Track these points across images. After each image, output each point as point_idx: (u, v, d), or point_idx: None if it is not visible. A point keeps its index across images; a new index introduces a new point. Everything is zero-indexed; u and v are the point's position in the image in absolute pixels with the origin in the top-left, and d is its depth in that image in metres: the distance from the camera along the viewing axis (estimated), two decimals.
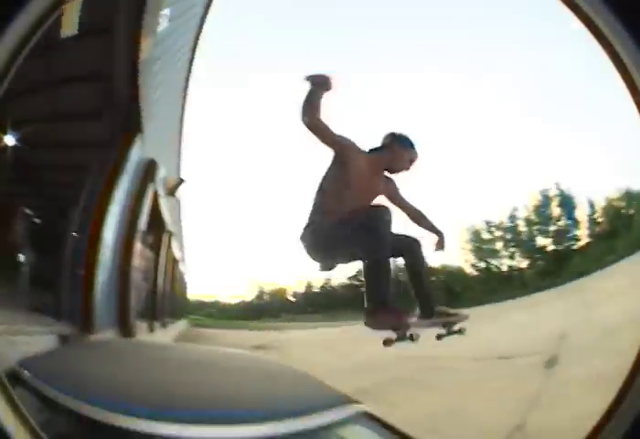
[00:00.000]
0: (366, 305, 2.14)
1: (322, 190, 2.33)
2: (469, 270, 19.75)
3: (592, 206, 17.70)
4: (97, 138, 5.23)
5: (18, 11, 0.69)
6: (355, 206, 2.22)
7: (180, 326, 10.19)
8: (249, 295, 17.66)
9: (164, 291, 8.14)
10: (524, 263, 18.55)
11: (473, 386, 6.57)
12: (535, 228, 18.59)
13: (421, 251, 2.40)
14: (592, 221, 17.97)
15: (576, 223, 18.10)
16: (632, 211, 16.82)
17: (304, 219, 2.39)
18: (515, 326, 9.31)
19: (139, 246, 5.62)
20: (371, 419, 1.64)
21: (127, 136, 4.98)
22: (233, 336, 16.45)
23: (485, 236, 19.94)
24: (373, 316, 2.12)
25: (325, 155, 2.41)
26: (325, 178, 2.35)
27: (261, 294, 21.19)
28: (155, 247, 7.52)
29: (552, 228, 18.10)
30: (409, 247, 2.36)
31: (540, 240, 18.42)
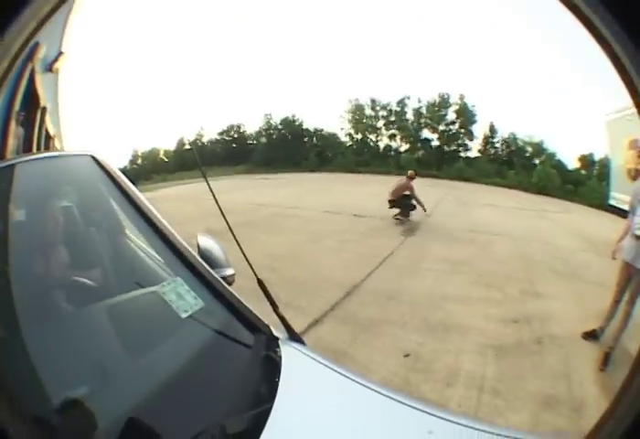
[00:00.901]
0: None
1: None
2: (344, 138, 20.62)
3: (492, 130, 19.25)
4: None
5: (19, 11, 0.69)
6: None
7: None
8: (122, 161, 16.67)
9: None
10: (404, 147, 19.99)
11: (321, 235, 6.94)
12: (423, 121, 19.96)
13: None
14: (489, 143, 19.75)
15: (470, 135, 19.80)
16: (537, 160, 19.45)
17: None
18: (380, 196, 9.81)
19: (13, 126, 5.32)
20: None
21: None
22: None
23: (368, 112, 20.79)
24: None
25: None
26: None
27: (134, 159, 19.98)
28: (29, 124, 6.72)
29: (442, 127, 19.61)
30: None
31: (427, 134, 19.81)
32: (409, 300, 4.21)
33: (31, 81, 6.26)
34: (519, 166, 19.01)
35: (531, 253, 6.17)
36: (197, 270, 1.51)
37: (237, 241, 1.51)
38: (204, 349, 1.34)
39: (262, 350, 1.37)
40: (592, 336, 3.57)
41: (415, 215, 8.51)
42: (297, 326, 2.24)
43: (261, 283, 1.47)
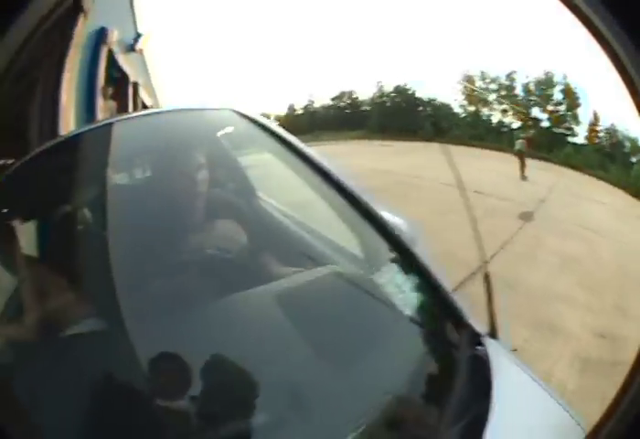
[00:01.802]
0: None
1: None
2: (457, 110, 19.53)
3: (596, 118, 17.19)
4: None
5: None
6: None
7: None
8: None
9: None
10: (516, 124, 18.47)
11: (446, 209, 6.31)
12: (532, 98, 18.28)
13: None
14: (594, 131, 17.75)
15: (576, 119, 17.86)
16: (634, 159, 16.78)
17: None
18: (498, 173, 9.61)
19: (101, 102, 6.06)
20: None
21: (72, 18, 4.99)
22: None
23: (479, 84, 19.47)
24: None
25: None
26: None
27: None
28: (121, 99, 7.52)
29: (550, 108, 17.77)
30: None
31: (536, 112, 18.20)
32: (524, 291, 4.19)
33: (114, 61, 6.70)
34: (620, 162, 16.49)
35: (634, 267, 5.34)
36: (399, 247, 1.34)
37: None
38: (413, 351, 1.20)
39: (469, 348, 1.25)
40: None
41: (531, 198, 8.16)
42: None
43: (487, 276, 1.47)
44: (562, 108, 18.40)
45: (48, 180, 1.34)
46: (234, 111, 1.63)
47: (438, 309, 1.32)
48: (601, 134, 17.91)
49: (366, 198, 1.42)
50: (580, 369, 3.20)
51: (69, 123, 4.79)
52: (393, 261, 1.34)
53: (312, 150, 1.52)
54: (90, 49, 5.87)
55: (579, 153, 17.69)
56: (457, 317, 1.31)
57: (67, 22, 5.00)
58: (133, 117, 1.40)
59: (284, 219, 1.61)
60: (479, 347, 1.24)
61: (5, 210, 1.31)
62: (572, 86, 18.20)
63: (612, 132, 17.99)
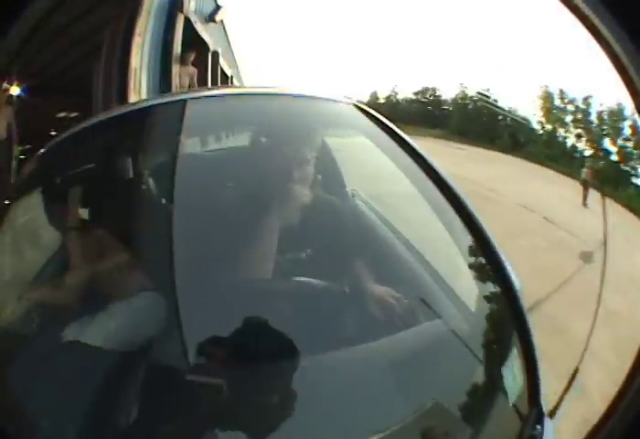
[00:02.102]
0: None
1: None
2: (535, 125, 18.74)
3: None
4: None
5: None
6: None
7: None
8: None
9: None
10: (588, 152, 17.53)
11: (517, 232, 6.48)
12: (605, 128, 17.19)
13: None
14: None
15: None
16: None
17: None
18: (568, 202, 9.14)
19: (178, 67, 6.28)
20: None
21: None
22: None
23: (557, 102, 18.54)
24: None
25: None
26: None
27: None
28: (201, 66, 7.89)
29: (620, 142, 16.66)
30: None
31: (607, 144, 17.16)
32: (567, 339, 4.07)
33: (191, 29, 6.89)
34: None
35: None
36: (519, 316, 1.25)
37: None
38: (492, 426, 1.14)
39: (532, 427, 1.15)
40: None
41: (594, 237, 7.38)
42: None
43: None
44: (630, 145, 17.17)
45: (114, 144, 1.35)
46: (357, 106, 1.58)
47: (529, 391, 1.21)
48: None
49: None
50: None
51: (139, 85, 4.98)
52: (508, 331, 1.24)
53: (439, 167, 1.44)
54: (165, 16, 5.96)
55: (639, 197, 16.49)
56: (537, 396, 1.21)
57: None
58: (242, 94, 1.36)
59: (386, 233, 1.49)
60: (538, 427, 1.15)
61: (66, 169, 1.31)
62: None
63: None
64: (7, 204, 1.31)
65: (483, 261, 1.34)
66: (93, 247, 1.17)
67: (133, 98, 4.89)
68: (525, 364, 1.21)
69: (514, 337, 1.24)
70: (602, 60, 0.71)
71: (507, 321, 1.27)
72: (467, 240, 1.36)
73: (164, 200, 1.22)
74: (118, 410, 0.94)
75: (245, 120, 1.40)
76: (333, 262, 1.26)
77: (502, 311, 1.29)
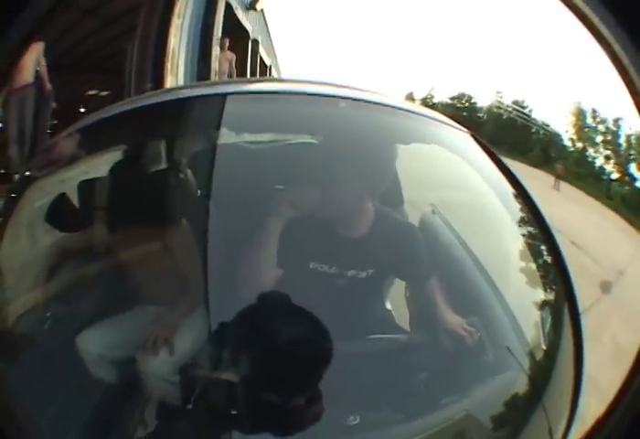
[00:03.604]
0: None
1: None
2: (567, 142, 18.56)
3: None
4: None
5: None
6: None
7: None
8: None
9: None
10: (615, 175, 17.24)
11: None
12: (633, 153, 16.91)
13: None
14: None
15: None
16: None
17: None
18: (593, 225, 8.90)
19: (217, 52, 6.33)
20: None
21: None
22: None
23: (589, 121, 18.28)
24: None
25: None
26: None
27: None
28: (240, 53, 8.05)
29: None
30: None
31: (634, 169, 16.93)
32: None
33: (232, 15, 6.93)
34: None
35: None
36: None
37: None
38: None
39: None
40: None
41: (613, 266, 7.35)
42: None
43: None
44: None
45: (143, 136, 1.31)
46: (473, 136, 1.51)
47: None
48: None
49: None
50: None
51: (176, 68, 4.97)
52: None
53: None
54: (205, 0, 5.91)
55: None
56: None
57: None
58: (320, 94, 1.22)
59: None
60: None
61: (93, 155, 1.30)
62: None
63: None
64: (25, 184, 1.31)
65: (554, 287, 1.32)
66: (121, 241, 1.15)
67: (169, 80, 4.85)
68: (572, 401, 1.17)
69: (571, 373, 1.21)
70: (602, 60, 0.71)
71: (569, 354, 1.23)
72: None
73: (200, 193, 1.18)
74: (122, 413, 0.94)
75: (306, 128, 1.29)
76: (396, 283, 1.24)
77: (565, 343, 1.26)
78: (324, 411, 0.85)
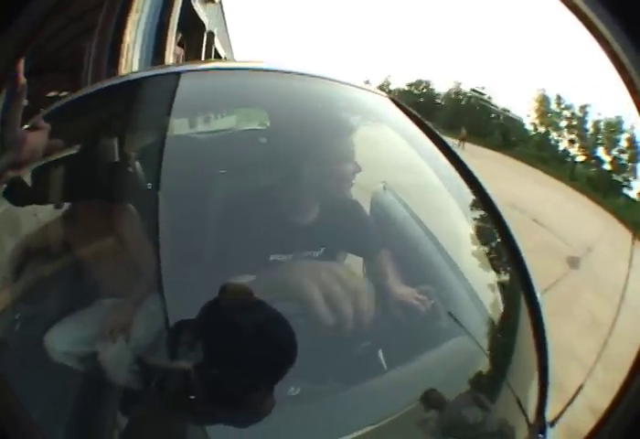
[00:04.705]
0: None
1: None
2: (528, 127, 19.06)
3: None
4: None
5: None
6: None
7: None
8: None
9: None
10: (580, 158, 17.84)
11: None
12: (600, 137, 17.45)
13: None
14: None
15: (634, 172, 16.95)
16: None
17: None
18: (556, 205, 9.52)
19: (172, 46, 6.23)
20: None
21: None
22: None
23: (553, 107, 18.83)
24: None
25: None
26: None
27: None
28: (194, 47, 8.32)
29: (614, 152, 16.95)
30: None
31: (601, 153, 17.46)
32: (552, 345, 3.88)
33: (189, 8, 6.83)
34: None
35: None
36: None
37: None
38: None
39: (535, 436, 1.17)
40: None
41: (581, 243, 8.08)
42: None
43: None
44: (625, 157, 17.51)
45: (99, 119, 1.29)
46: (392, 99, 1.52)
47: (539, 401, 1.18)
48: None
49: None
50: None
51: (130, 63, 4.87)
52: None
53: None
54: None
55: (629, 208, 16.72)
56: (543, 407, 1.18)
57: None
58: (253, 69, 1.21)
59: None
60: (541, 436, 1.16)
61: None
62: (638, 139, 17.37)
63: None
64: None
65: (508, 267, 1.34)
66: (75, 233, 1.14)
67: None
68: (539, 374, 1.20)
69: (532, 348, 1.23)
70: (606, 69, 0.70)
71: (527, 330, 1.25)
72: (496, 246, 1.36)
73: (150, 186, 1.15)
74: (100, 413, 0.93)
75: (256, 100, 1.30)
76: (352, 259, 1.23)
77: (523, 318, 1.27)
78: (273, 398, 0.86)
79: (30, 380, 0.95)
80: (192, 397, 0.85)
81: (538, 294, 1.33)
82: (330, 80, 1.48)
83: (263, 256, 1.06)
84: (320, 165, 1.18)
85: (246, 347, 0.84)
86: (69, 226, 1.16)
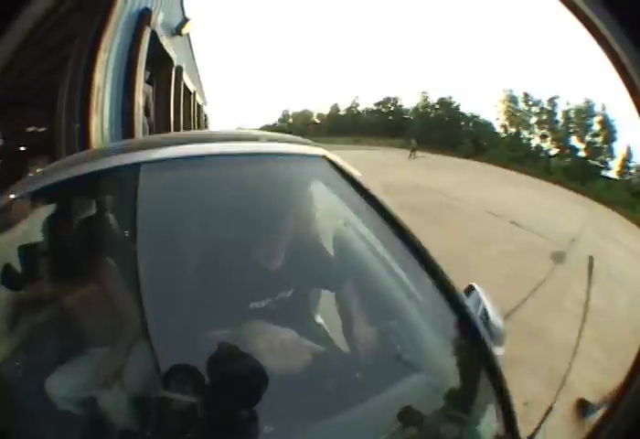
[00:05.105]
0: None
1: None
2: (499, 130, 19.36)
3: (629, 154, 16.91)
4: None
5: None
6: None
7: None
8: (272, 120, 17.69)
9: (178, 123, 8.79)
10: (553, 151, 18.15)
11: (484, 240, 6.70)
12: (571, 126, 17.87)
13: None
14: (626, 167, 17.37)
15: (610, 153, 17.47)
16: None
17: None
18: (534, 203, 9.68)
19: (141, 84, 6.18)
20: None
21: None
22: None
23: (521, 106, 19.23)
24: None
25: None
26: None
27: (285, 118, 21.12)
28: (161, 82, 8.29)
29: (588, 138, 17.42)
30: None
31: (574, 141, 17.86)
32: (547, 343, 4.01)
33: (157, 43, 6.81)
34: None
35: None
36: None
37: None
38: None
39: None
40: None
41: (564, 236, 8.01)
42: None
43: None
44: (599, 140, 17.92)
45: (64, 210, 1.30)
46: (328, 159, 1.43)
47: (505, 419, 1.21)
48: (632, 171, 17.60)
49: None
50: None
51: (101, 105, 4.84)
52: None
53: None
54: (132, 30, 5.79)
55: (610, 189, 17.06)
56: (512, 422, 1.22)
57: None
58: (192, 156, 1.22)
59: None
60: None
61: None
62: (610, 118, 17.76)
63: None
64: None
65: (449, 309, 1.28)
66: (63, 289, 1.18)
67: (94, 120, 4.70)
68: (499, 400, 1.22)
69: (485, 378, 1.23)
70: (570, 57, 0.71)
71: (478, 365, 1.25)
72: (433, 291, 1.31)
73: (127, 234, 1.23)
74: None
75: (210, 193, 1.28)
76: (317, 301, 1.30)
77: (477, 348, 1.26)
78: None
79: (33, 425, 1.00)
80: (189, 435, 0.90)
81: (496, 322, 1.36)
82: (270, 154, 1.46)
83: (243, 304, 1.11)
84: (284, 219, 1.24)
85: (233, 387, 0.92)
86: (57, 282, 1.21)
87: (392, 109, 22.47)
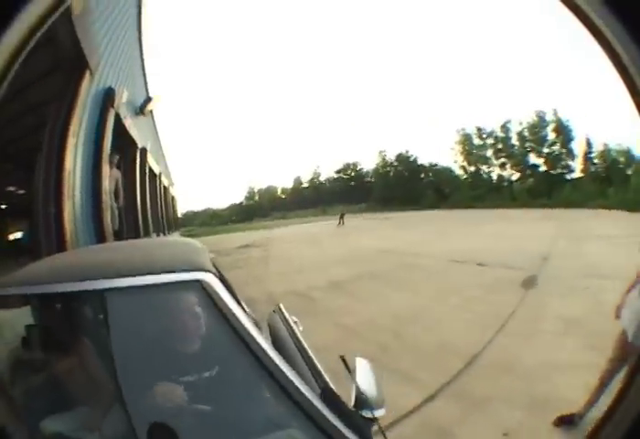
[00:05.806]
0: None
1: None
2: (459, 172, 19.97)
3: (589, 145, 18.00)
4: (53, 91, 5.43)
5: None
6: None
7: None
8: (239, 198, 17.78)
9: (145, 207, 9.29)
10: (515, 176, 18.88)
11: (446, 292, 6.59)
12: (528, 145, 18.80)
13: None
14: (589, 160, 18.47)
15: (571, 154, 18.54)
16: (629, 171, 18.28)
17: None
18: (499, 236, 9.64)
19: (107, 169, 6.29)
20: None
21: (77, 74, 5.27)
22: (224, 239, 18.16)
23: (476, 141, 20.09)
24: None
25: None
26: None
27: (251, 195, 21.28)
28: (129, 166, 8.47)
29: (546, 150, 18.37)
30: None
31: (533, 159, 18.72)
32: (521, 373, 3.84)
33: (120, 126, 7.03)
34: (617, 182, 17.77)
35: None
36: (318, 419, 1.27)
37: None
38: None
39: None
40: (567, 422, 2.70)
41: (534, 258, 8.22)
42: (413, 401, 3.11)
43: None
44: (557, 147, 18.71)
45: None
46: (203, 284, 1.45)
47: None
48: (595, 160, 18.33)
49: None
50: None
51: (72, 189, 4.85)
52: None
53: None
54: (98, 112, 5.99)
55: (577, 189, 17.67)
56: None
57: (72, 79, 5.18)
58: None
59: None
60: None
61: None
62: (563, 120, 18.68)
63: (605, 152, 18.62)
64: None
65: None
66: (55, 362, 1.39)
67: (67, 206, 4.83)
68: None
69: None
70: (603, 60, 0.73)
71: None
72: None
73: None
74: None
75: None
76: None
77: None
78: None
79: None
80: None
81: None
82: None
83: (180, 376, 1.34)
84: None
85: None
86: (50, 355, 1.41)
87: (353, 174, 22.95)
